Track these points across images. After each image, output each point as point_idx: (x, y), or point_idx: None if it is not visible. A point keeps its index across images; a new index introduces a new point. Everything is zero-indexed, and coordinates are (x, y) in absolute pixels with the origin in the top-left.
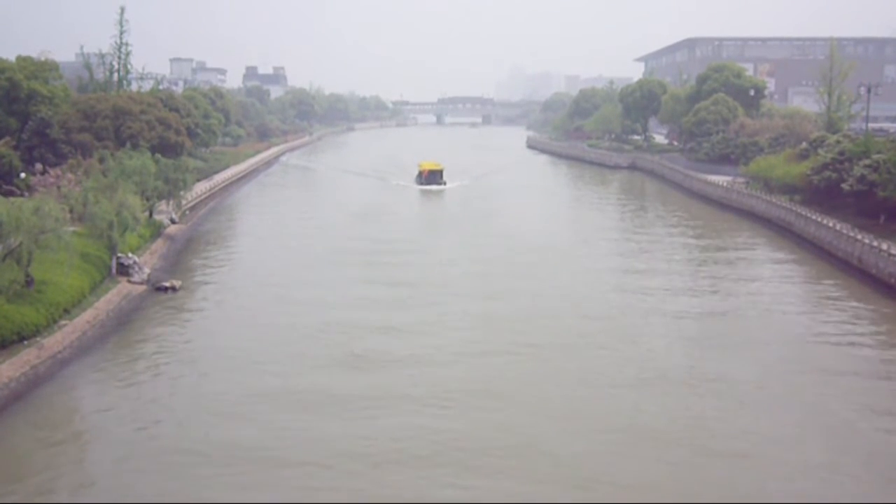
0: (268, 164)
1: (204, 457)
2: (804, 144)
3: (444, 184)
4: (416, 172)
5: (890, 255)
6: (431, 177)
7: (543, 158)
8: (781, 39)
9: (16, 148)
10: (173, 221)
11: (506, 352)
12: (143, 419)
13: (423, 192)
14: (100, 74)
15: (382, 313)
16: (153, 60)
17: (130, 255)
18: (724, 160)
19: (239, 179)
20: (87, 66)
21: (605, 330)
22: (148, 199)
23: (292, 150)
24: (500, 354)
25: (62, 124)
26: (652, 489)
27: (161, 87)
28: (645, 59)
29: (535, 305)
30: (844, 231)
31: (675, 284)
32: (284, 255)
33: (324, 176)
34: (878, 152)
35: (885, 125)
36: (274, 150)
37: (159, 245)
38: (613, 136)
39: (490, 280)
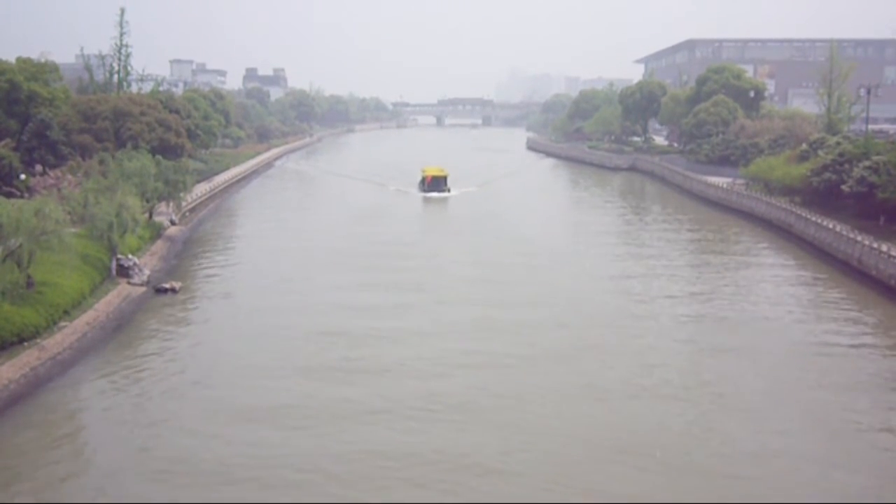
0: (268, 165)
1: (202, 457)
2: (804, 146)
3: (448, 191)
4: (417, 177)
5: (890, 256)
6: (435, 183)
7: (545, 161)
8: (781, 41)
9: (16, 149)
10: (173, 223)
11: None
12: (142, 420)
13: (426, 200)
14: (100, 76)
15: (381, 322)
16: (153, 62)
17: (130, 256)
18: (723, 162)
19: (238, 181)
20: (88, 68)
21: (611, 341)
22: (148, 201)
23: (292, 151)
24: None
25: (62, 126)
26: (650, 490)
27: (161, 88)
28: (645, 60)
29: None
30: (844, 232)
31: (674, 287)
32: (283, 257)
33: (322, 181)
34: (878, 154)
35: (885, 127)
36: (274, 152)
37: (159, 246)
38: (613, 137)
39: (503, 309)
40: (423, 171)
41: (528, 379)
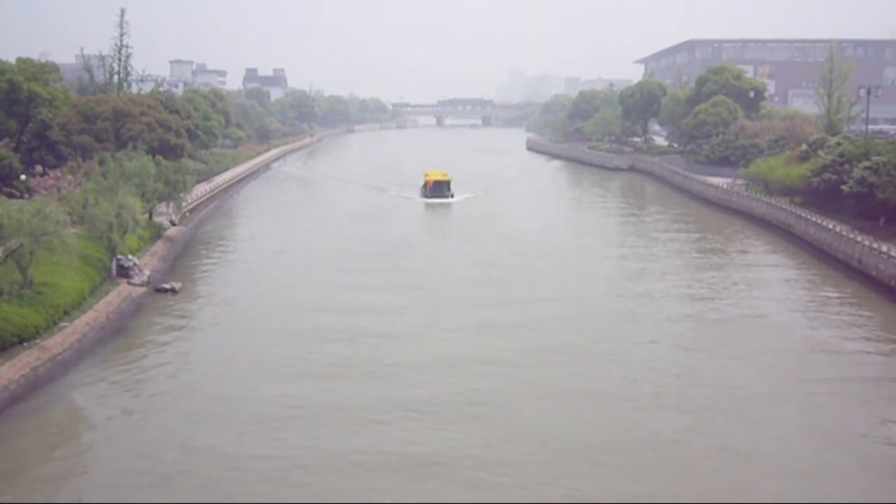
0: (267, 166)
1: (200, 458)
2: (804, 146)
3: (452, 196)
4: (418, 181)
5: (890, 257)
6: (437, 188)
7: (545, 161)
8: (781, 41)
9: (16, 150)
10: (173, 223)
11: None
12: (142, 421)
13: (429, 206)
14: (100, 76)
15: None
16: (153, 62)
17: (130, 256)
18: (723, 162)
19: (238, 182)
20: (88, 68)
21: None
22: (148, 201)
23: (292, 151)
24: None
25: (62, 126)
26: (649, 487)
27: (161, 89)
28: (645, 60)
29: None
30: (844, 233)
31: (674, 288)
32: (283, 257)
33: (321, 185)
34: (878, 154)
35: (885, 127)
36: (274, 152)
37: (159, 247)
38: (613, 137)
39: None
40: (426, 176)
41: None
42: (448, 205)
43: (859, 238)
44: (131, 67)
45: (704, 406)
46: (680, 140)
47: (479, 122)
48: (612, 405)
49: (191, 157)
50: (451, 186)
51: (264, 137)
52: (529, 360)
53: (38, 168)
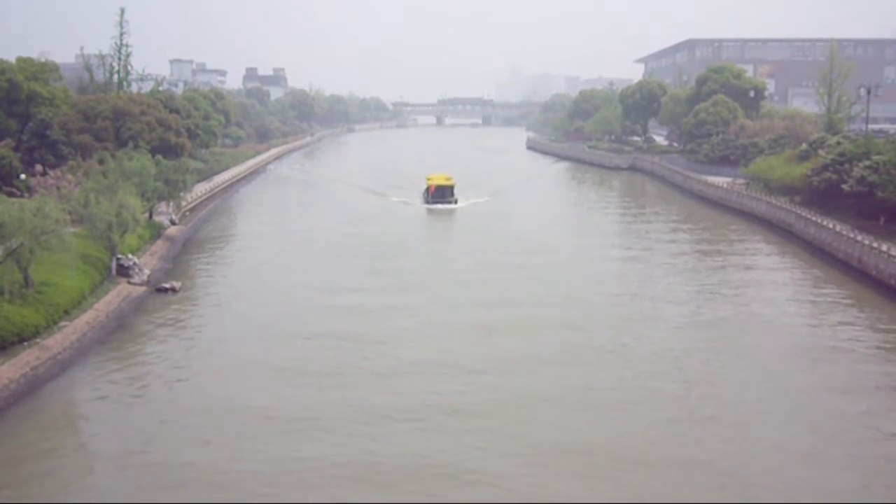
0: (265, 168)
1: (200, 457)
2: (804, 146)
3: (455, 202)
4: (418, 183)
5: (890, 256)
6: (440, 193)
7: (546, 160)
8: (781, 41)
9: (16, 149)
10: (173, 223)
11: None
12: (142, 420)
13: (431, 213)
14: (100, 76)
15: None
16: (153, 62)
17: (130, 256)
18: (723, 161)
19: (238, 181)
20: (88, 68)
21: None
22: (148, 201)
23: (292, 151)
24: None
25: (62, 125)
26: (644, 489)
27: (161, 88)
28: (645, 60)
29: None
30: (844, 232)
31: (674, 288)
32: (281, 258)
33: (318, 187)
34: (878, 153)
35: (885, 126)
36: (273, 152)
37: (159, 246)
38: (613, 137)
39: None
40: (428, 180)
41: None
42: (452, 211)
43: (859, 237)
44: (131, 66)
45: (703, 405)
46: (680, 139)
47: (480, 121)
48: (609, 408)
49: (191, 156)
50: (455, 191)
51: (264, 137)
52: None
53: (38, 167)
